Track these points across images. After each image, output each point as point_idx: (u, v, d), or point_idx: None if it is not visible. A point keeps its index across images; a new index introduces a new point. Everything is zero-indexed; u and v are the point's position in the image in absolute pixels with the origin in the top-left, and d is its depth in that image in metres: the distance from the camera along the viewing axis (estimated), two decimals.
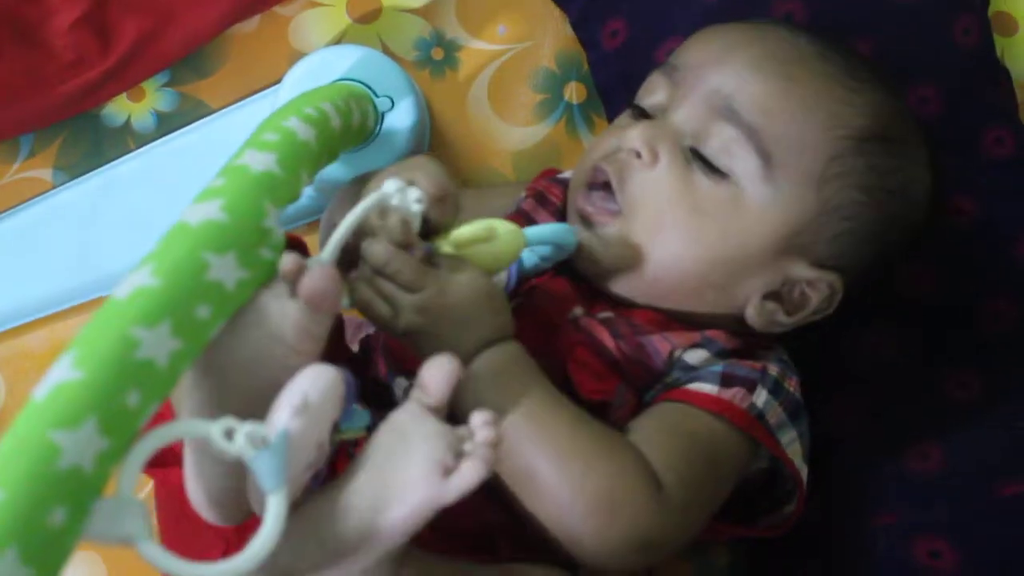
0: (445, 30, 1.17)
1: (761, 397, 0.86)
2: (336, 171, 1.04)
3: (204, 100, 1.17)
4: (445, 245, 0.78)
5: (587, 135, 1.16)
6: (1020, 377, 1.00)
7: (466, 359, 0.76)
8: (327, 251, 0.71)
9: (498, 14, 1.17)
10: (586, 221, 0.90)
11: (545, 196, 1.00)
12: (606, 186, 0.89)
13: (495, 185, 1.11)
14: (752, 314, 0.90)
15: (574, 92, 1.17)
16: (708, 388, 0.85)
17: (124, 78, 1.15)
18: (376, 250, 0.76)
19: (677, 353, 0.87)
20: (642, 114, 0.92)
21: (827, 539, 0.96)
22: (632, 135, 0.88)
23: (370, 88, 1.06)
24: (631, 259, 0.89)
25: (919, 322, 1.01)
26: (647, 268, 0.89)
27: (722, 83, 0.88)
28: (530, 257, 0.88)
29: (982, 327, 1.01)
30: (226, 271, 0.67)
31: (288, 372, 0.65)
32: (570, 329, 0.88)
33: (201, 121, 1.16)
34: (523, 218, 0.97)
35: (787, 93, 0.87)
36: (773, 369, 0.88)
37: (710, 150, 0.87)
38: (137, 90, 1.17)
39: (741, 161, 0.86)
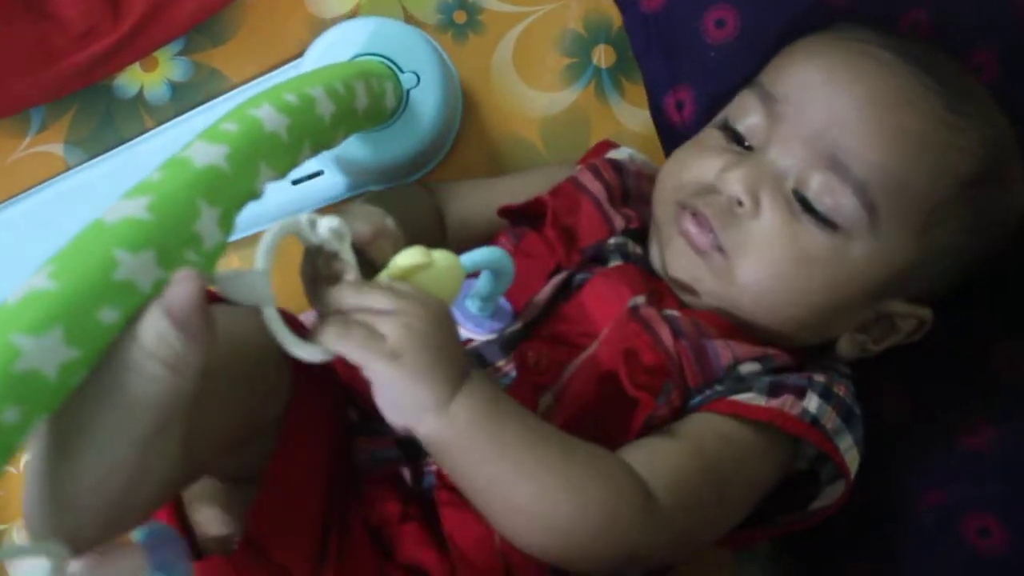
0: None
1: (813, 402, 0.85)
2: (358, 151, 1.03)
3: (219, 69, 1.14)
4: (384, 279, 0.73)
5: (617, 100, 1.15)
6: None
7: (444, 387, 0.71)
8: (225, 272, 0.66)
9: None
10: (690, 244, 0.89)
11: (600, 172, 0.99)
12: (701, 221, 0.88)
13: (537, 167, 1.09)
14: (843, 347, 0.92)
15: (603, 56, 1.15)
16: (756, 398, 0.85)
17: (136, 47, 1.12)
18: (343, 291, 0.71)
19: (735, 364, 0.87)
20: (735, 137, 0.91)
21: (875, 520, 0.95)
22: (732, 180, 0.87)
23: (394, 63, 1.03)
24: (733, 295, 0.89)
25: (966, 298, 0.98)
26: (743, 304, 0.89)
27: (827, 129, 0.86)
28: (472, 304, 0.86)
29: None
30: (140, 271, 0.63)
31: (155, 386, 0.62)
32: (628, 317, 0.87)
33: (221, 97, 1.13)
34: (576, 187, 0.96)
35: (894, 144, 0.85)
36: (820, 376, 0.88)
37: (815, 197, 0.86)
38: (150, 59, 1.14)
39: (847, 213, 0.85)
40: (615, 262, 0.93)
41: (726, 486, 0.84)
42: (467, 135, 1.13)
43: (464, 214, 1.03)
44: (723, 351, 0.87)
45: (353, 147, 1.03)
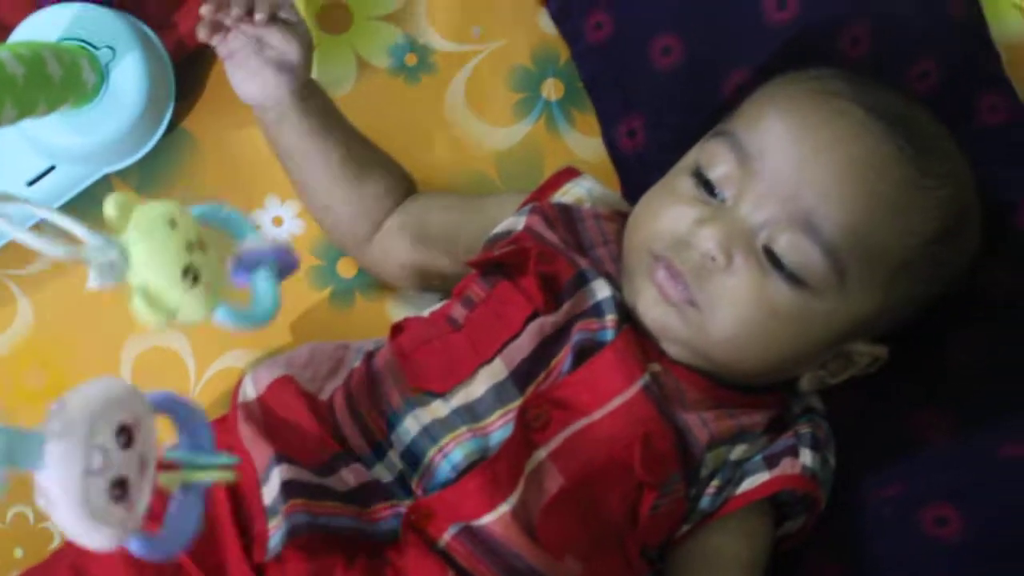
0: (417, 35, 1.16)
1: (807, 456, 0.91)
2: (62, 133, 1.04)
3: None
4: None
5: (568, 131, 1.16)
6: (1021, 338, 1.02)
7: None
8: None
9: (470, 15, 1.16)
10: (663, 296, 0.91)
11: (549, 220, 0.99)
12: (675, 275, 0.90)
13: (490, 195, 1.10)
14: (803, 384, 0.95)
15: (552, 89, 1.16)
16: (760, 477, 0.91)
17: None
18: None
19: (715, 447, 0.90)
20: (706, 185, 0.91)
21: (835, 513, 0.97)
22: (705, 237, 0.88)
23: (88, 43, 1.03)
24: (702, 343, 0.90)
25: None
26: (715, 355, 0.91)
27: (800, 190, 0.87)
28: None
29: (985, 294, 1.01)
30: None
31: None
32: (641, 398, 0.89)
33: None
34: (535, 236, 0.97)
35: (866, 209, 0.87)
36: (805, 428, 0.93)
37: (784, 255, 0.87)
38: None
39: (815, 272, 0.87)
40: (610, 316, 0.92)
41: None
42: (426, 170, 1.14)
43: (425, 221, 1.06)
44: (699, 431, 0.89)
45: (65, 130, 1.04)
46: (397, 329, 0.98)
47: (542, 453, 0.86)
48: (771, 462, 0.91)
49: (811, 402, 0.97)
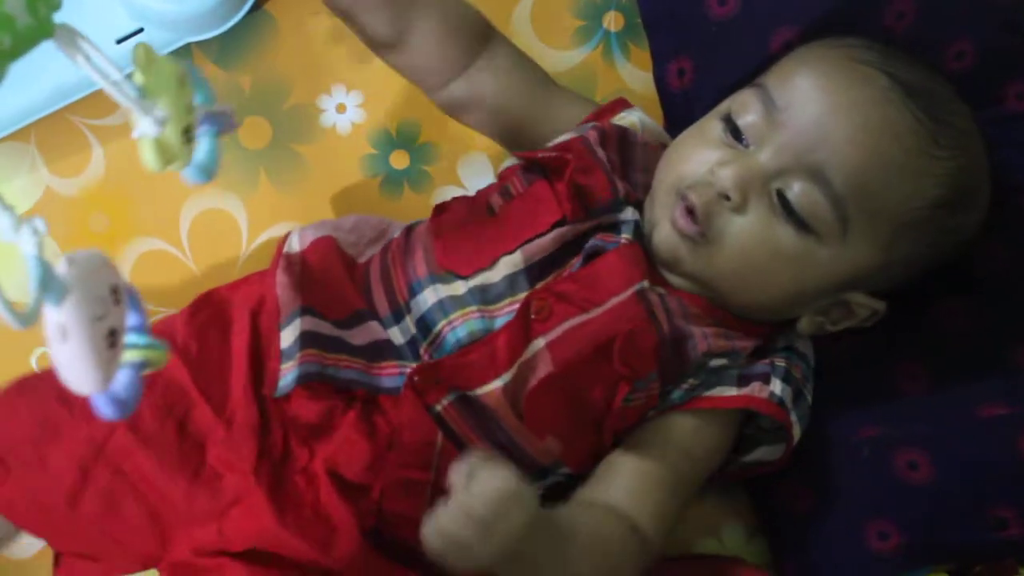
0: None
1: (777, 385, 0.94)
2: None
3: None
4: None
5: (623, 63, 1.19)
6: (1010, 311, 1.06)
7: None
8: None
9: None
10: (677, 228, 0.94)
11: (606, 138, 1.02)
12: (691, 211, 0.93)
13: (563, 89, 1.11)
14: (803, 326, 0.98)
15: (613, 20, 1.19)
16: (728, 390, 0.94)
17: None
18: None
19: (707, 354, 0.94)
20: (734, 131, 0.94)
21: (816, 449, 1.02)
22: (724, 176, 0.91)
23: None
24: (708, 275, 0.95)
25: None
26: (719, 286, 0.95)
27: (818, 145, 0.90)
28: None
29: (981, 265, 1.06)
30: None
31: None
32: (635, 298, 0.93)
33: None
34: (587, 148, 0.99)
35: (875, 169, 0.90)
36: (780, 361, 0.96)
37: (795, 200, 0.90)
38: None
39: (822, 220, 0.90)
40: (625, 235, 0.96)
41: (697, 479, 0.96)
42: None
43: (507, 70, 1.07)
44: (700, 341, 0.94)
45: None
46: (440, 208, 1.03)
47: (540, 342, 0.90)
48: (742, 381, 0.94)
49: (795, 342, 1.00)
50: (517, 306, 0.92)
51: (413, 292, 0.95)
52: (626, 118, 1.06)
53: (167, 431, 0.91)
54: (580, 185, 0.96)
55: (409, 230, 1.02)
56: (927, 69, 0.97)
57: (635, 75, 1.19)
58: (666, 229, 0.94)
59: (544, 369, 0.90)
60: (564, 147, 0.99)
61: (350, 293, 0.97)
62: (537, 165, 0.99)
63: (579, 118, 1.05)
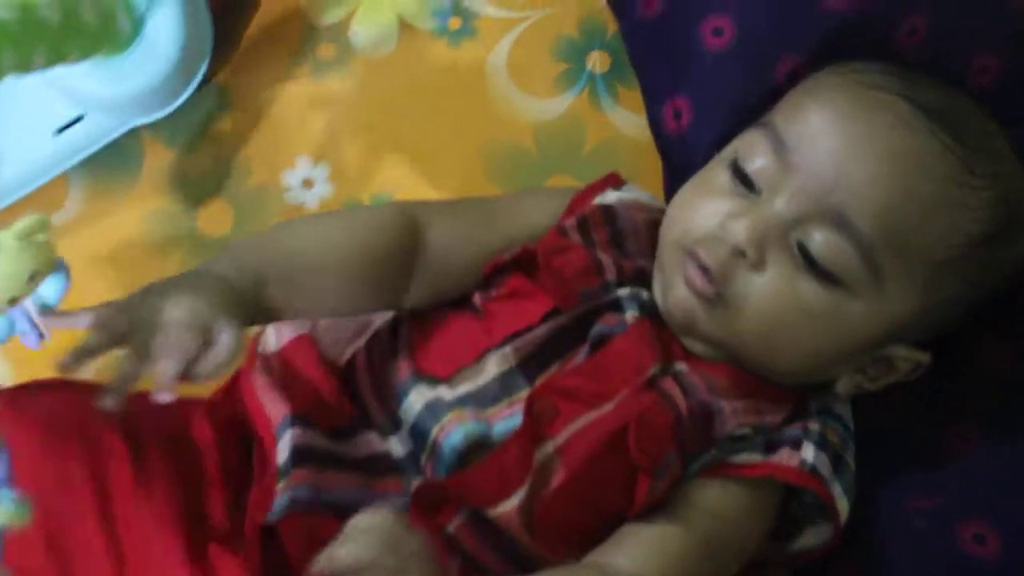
0: None
1: (809, 451, 0.88)
2: (93, 82, 1.02)
3: None
4: None
5: (612, 106, 1.14)
6: None
7: None
8: None
9: None
10: (693, 290, 0.88)
11: (588, 230, 0.97)
12: (705, 269, 0.87)
13: (530, 196, 1.06)
14: (841, 388, 0.92)
15: (597, 61, 1.14)
16: (752, 456, 0.88)
17: None
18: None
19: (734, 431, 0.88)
20: (743, 178, 0.89)
21: (863, 524, 0.94)
22: (737, 230, 0.86)
23: None
24: (730, 340, 0.89)
25: None
26: (743, 352, 0.89)
27: (837, 186, 0.84)
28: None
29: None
30: None
31: None
32: (646, 386, 0.87)
33: None
34: (558, 232, 0.95)
35: (904, 207, 0.84)
36: (814, 424, 0.90)
37: (818, 252, 0.85)
38: None
39: (850, 271, 0.85)
40: (631, 312, 0.91)
41: (724, 553, 0.88)
42: (461, 140, 1.13)
43: (448, 241, 0.99)
44: (729, 418, 0.88)
45: (97, 79, 1.03)
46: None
47: (549, 447, 0.85)
48: (769, 448, 0.89)
49: (832, 404, 0.94)
50: (516, 408, 0.86)
51: (400, 397, 0.90)
52: (608, 196, 1.00)
53: None
54: (555, 268, 0.91)
55: (395, 323, 0.97)
56: (949, 88, 0.91)
57: (627, 119, 1.14)
58: (680, 291, 0.88)
59: (557, 478, 0.84)
60: (538, 242, 0.95)
61: (339, 399, 0.92)
62: (507, 267, 0.95)
63: (558, 213, 1.00)
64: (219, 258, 0.86)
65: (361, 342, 0.97)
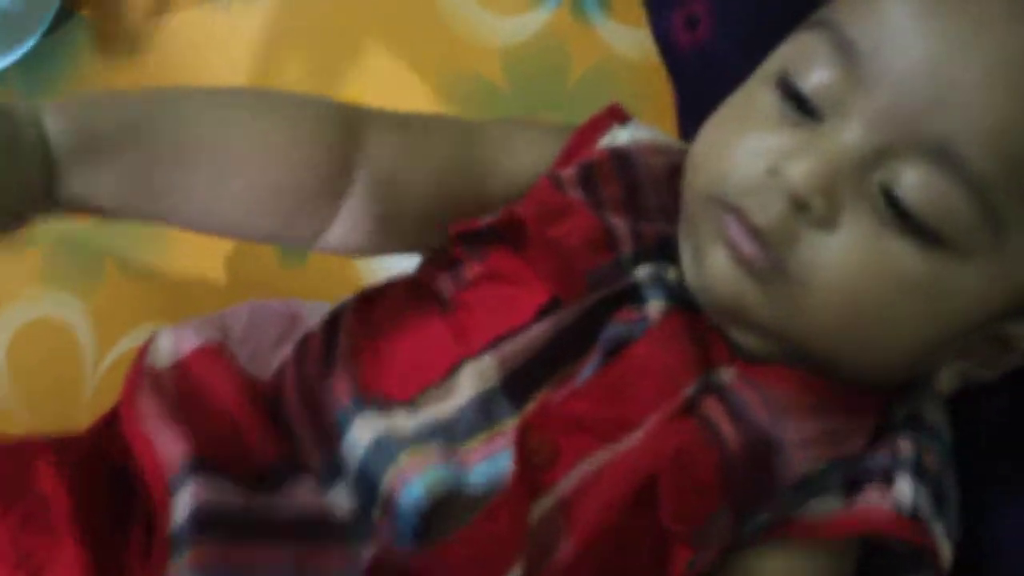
0: None
1: (906, 487, 0.76)
2: None
3: None
4: None
5: (602, 20, 1.02)
6: None
7: None
8: None
9: None
10: (738, 258, 0.74)
11: (596, 184, 0.82)
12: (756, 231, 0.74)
13: (525, 125, 0.92)
14: (943, 382, 0.80)
15: None
16: (831, 503, 0.76)
17: None
18: None
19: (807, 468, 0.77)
20: (797, 100, 0.75)
21: (969, 565, 0.81)
22: (796, 172, 0.72)
23: None
24: (795, 328, 0.75)
25: None
26: (814, 345, 0.75)
27: (936, 102, 0.70)
28: None
29: None
30: None
31: None
32: (682, 410, 0.74)
33: None
34: (554, 186, 0.81)
35: None
36: (907, 444, 0.78)
37: (913, 199, 0.71)
38: None
39: (960, 223, 0.71)
40: (655, 301, 0.77)
41: None
42: (408, 76, 1.01)
43: (399, 161, 0.85)
44: (795, 454, 0.75)
45: None
46: (368, 296, 0.84)
47: (549, 502, 0.72)
48: (852, 488, 0.76)
49: (922, 406, 0.82)
50: (500, 444, 0.72)
51: (340, 428, 0.77)
52: (619, 136, 0.87)
53: None
54: (553, 240, 0.78)
55: (333, 322, 0.83)
56: None
57: (623, 35, 1.01)
58: (720, 260, 0.74)
59: (562, 549, 0.72)
60: (530, 197, 0.82)
61: (262, 433, 0.78)
62: (484, 237, 0.83)
63: (552, 157, 0.86)
64: (59, 105, 0.74)
65: (288, 350, 0.84)
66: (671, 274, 0.78)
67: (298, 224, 0.81)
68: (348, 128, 0.82)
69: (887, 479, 0.76)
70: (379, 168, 0.82)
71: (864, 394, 0.78)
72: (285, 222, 0.80)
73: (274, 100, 0.83)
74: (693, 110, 0.86)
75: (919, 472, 0.76)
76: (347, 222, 0.82)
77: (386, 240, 0.84)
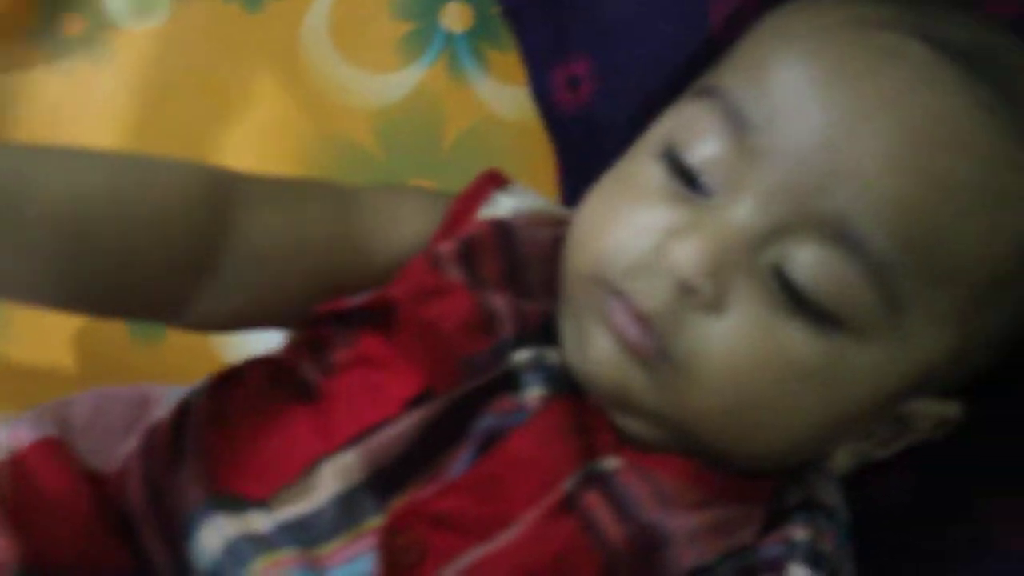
0: None
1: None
2: None
3: None
4: None
5: (480, 77, 0.99)
6: None
7: None
8: None
9: None
10: (623, 344, 0.71)
11: (476, 260, 0.79)
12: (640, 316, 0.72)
13: (405, 192, 0.87)
14: (839, 462, 0.78)
15: (456, 16, 0.99)
16: None
17: None
18: None
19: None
20: (683, 174, 0.72)
21: None
22: (683, 253, 0.69)
23: None
24: (681, 417, 0.72)
25: None
26: (702, 434, 0.73)
27: (832, 178, 0.68)
28: None
29: None
30: None
31: None
32: (561, 508, 0.71)
33: None
34: (431, 264, 0.78)
35: (936, 205, 0.68)
36: (801, 531, 0.75)
37: (806, 280, 0.69)
38: None
39: (856, 305, 0.69)
40: (534, 388, 0.73)
41: None
42: (269, 141, 0.97)
43: (272, 233, 0.80)
44: (684, 550, 0.72)
45: None
46: (224, 378, 0.79)
47: None
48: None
49: (816, 486, 0.80)
50: (364, 545, 0.70)
51: (189, 530, 0.73)
52: (501, 205, 0.84)
53: None
54: (429, 324, 0.75)
55: (184, 410, 0.78)
56: (979, 19, 0.77)
57: (502, 94, 0.98)
58: (604, 345, 0.72)
59: None
60: (403, 276, 0.79)
61: (104, 539, 0.74)
62: (354, 318, 0.78)
63: (432, 227, 0.83)
64: None
65: (133, 442, 0.79)
66: (553, 357, 0.75)
67: (156, 302, 0.76)
68: (217, 201, 0.77)
69: (778, 569, 0.73)
70: (250, 244, 0.78)
71: (756, 479, 0.75)
72: (141, 299, 0.76)
73: (137, 168, 0.77)
74: (576, 175, 0.86)
75: (814, 558, 0.73)
76: (211, 300, 0.78)
77: (255, 318, 0.80)
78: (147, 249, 0.74)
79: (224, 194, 0.77)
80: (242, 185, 0.78)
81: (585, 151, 0.90)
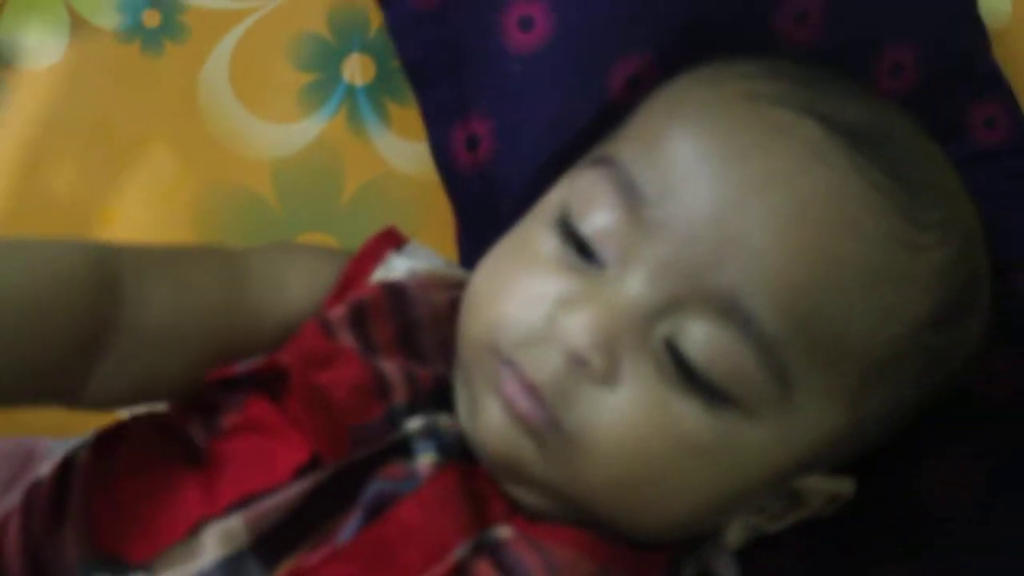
0: None
1: None
2: None
3: None
4: None
5: (381, 131, 0.97)
6: None
7: None
8: None
9: None
10: (514, 415, 0.70)
11: (368, 325, 0.77)
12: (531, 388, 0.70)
13: (299, 252, 0.86)
14: (731, 537, 0.77)
15: (358, 69, 0.97)
16: None
17: None
18: None
19: None
20: (577, 243, 0.71)
21: None
22: (575, 327, 0.68)
23: None
24: (572, 489, 0.71)
25: None
26: (591, 504, 0.71)
27: (723, 255, 0.68)
28: None
29: (980, 396, 0.87)
30: None
31: None
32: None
33: None
34: (322, 329, 0.76)
35: (827, 284, 0.68)
36: None
37: (698, 356, 0.68)
38: None
39: (746, 382, 0.68)
40: (426, 455, 0.72)
41: None
42: (164, 190, 0.95)
43: (165, 310, 0.76)
44: None
45: None
46: (108, 436, 0.77)
47: None
48: None
49: (709, 561, 0.80)
50: None
51: None
52: (395, 267, 0.82)
53: None
54: (319, 391, 0.73)
55: (66, 466, 0.76)
56: (873, 98, 0.78)
57: (402, 149, 0.97)
58: (495, 414, 0.71)
59: None
60: (294, 342, 0.77)
61: None
62: (244, 384, 0.76)
63: (326, 288, 0.81)
64: None
65: (15, 498, 0.76)
66: (446, 423, 0.74)
67: (51, 387, 0.73)
68: (104, 279, 0.74)
69: None
70: (140, 318, 0.75)
71: (650, 551, 0.74)
72: (35, 387, 0.72)
73: (19, 253, 0.73)
74: (473, 233, 0.86)
75: None
76: (107, 378, 0.75)
77: (153, 391, 0.77)
78: (35, 337, 0.70)
79: (111, 271, 0.74)
80: (128, 258, 0.76)
81: (483, 210, 0.89)
